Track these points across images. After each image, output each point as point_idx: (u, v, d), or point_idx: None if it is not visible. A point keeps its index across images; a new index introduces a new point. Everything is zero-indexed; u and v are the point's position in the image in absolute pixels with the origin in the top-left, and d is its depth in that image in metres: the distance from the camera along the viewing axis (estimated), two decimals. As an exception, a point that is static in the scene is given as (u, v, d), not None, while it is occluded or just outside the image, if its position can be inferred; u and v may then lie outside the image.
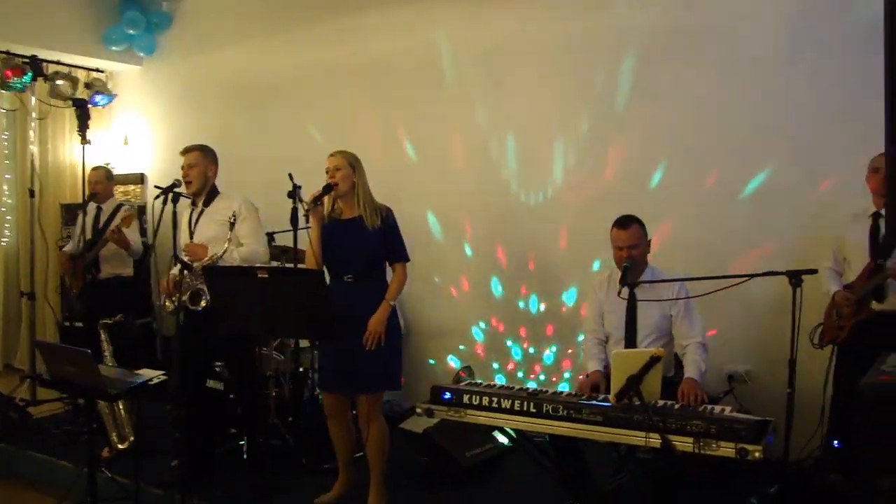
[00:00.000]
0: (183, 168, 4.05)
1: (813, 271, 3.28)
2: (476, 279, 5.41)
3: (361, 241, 3.59)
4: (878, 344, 3.55)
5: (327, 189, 3.61)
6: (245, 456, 4.40)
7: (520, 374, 5.26)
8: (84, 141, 4.05)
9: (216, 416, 4.33)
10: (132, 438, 4.45)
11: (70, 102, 6.23)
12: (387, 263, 3.71)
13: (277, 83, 6.25)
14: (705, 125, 4.56)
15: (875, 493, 2.29)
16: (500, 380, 5.22)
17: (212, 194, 4.09)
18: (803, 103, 4.26)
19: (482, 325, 5.42)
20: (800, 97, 4.28)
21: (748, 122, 4.43)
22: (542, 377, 5.17)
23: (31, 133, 5.93)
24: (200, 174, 4.04)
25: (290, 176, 4.41)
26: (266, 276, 2.97)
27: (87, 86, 6.27)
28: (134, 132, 6.94)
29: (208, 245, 3.96)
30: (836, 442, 4.00)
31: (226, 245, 3.92)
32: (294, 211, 4.44)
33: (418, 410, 3.40)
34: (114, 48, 6.62)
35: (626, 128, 4.81)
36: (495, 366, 5.35)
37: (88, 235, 5.30)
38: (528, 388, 3.41)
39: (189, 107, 6.78)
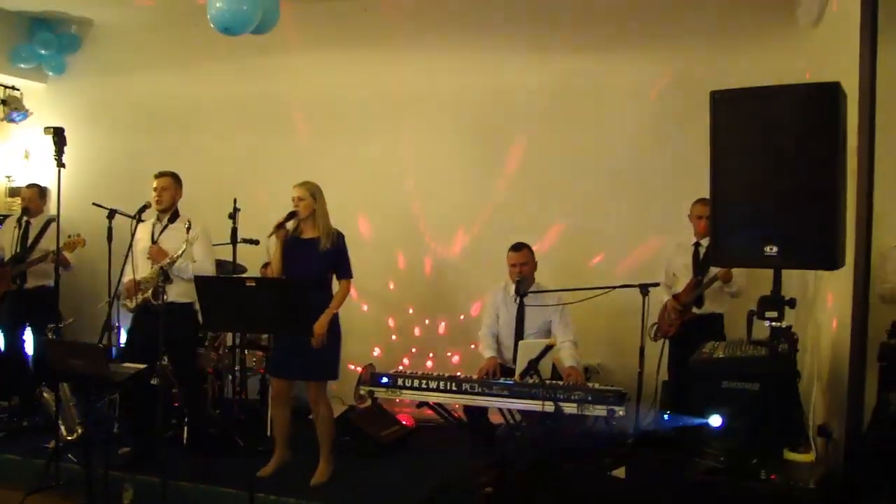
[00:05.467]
0: (156, 190, 4.70)
1: (656, 284, 4.50)
2: (374, 286, 6.25)
3: (315, 259, 4.38)
4: (698, 337, 4.83)
5: (290, 216, 4.38)
6: (185, 442, 4.99)
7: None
8: (60, 164, 4.55)
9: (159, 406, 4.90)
10: (80, 431, 4.92)
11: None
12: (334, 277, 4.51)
13: (183, 111, 6.79)
14: (567, 165, 5.83)
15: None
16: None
17: (175, 214, 4.76)
18: (645, 156, 5.59)
19: (378, 325, 6.31)
20: (644, 150, 5.61)
21: (601, 166, 5.74)
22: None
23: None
24: (171, 197, 4.74)
25: (235, 200, 5.17)
26: (253, 284, 3.67)
27: (4, 102, 6.51)
28: (35, 146, 7.14)
29: (167, 251, 4.59)
30: (666, 415, 5.26)
31: (183, 247, 4.54)
32: (234, 231, 5.18)
33: (361, 392, 4.27)
34: (22, 66, 6.86)
35: (506, 165, 5.99)
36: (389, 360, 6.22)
37: (17, 248, 5.70)
38: (445, 374, 4.37)
39: (96, 126, 7.07)
